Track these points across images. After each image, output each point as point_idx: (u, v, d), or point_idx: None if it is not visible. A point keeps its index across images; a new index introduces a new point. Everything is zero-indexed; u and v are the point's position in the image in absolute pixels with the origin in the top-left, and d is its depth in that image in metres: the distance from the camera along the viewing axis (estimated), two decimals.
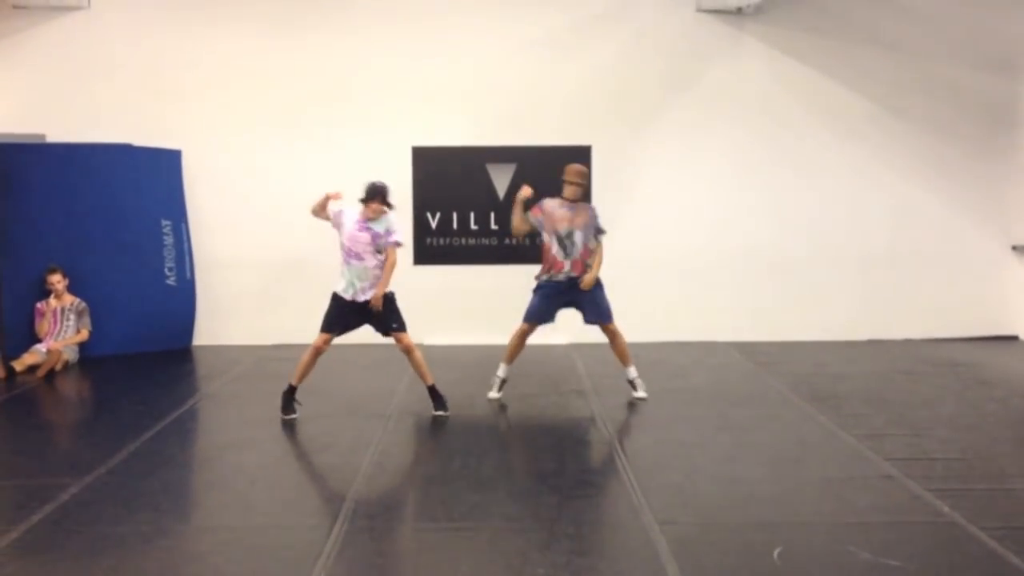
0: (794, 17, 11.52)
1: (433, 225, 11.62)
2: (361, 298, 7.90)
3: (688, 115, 11.57)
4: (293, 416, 7.94)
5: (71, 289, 10.47)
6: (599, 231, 8.63)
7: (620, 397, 8.71)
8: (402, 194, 11.49)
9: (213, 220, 11.35)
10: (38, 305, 10.39)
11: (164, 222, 11.03)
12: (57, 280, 10.32)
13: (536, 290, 8.57)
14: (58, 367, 9.94)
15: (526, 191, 8.57)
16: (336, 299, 7.95)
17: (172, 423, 7.93)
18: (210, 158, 11.33)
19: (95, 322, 10.55)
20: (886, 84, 11.60)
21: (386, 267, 7.92)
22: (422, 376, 8.17)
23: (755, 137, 11.58)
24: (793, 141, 11.60)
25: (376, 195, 7.82)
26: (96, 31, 11.29)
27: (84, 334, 10.45)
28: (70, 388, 9.71)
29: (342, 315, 7.94)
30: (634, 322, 11.44)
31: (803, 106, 11.60)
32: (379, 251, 7.90)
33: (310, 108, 11.44)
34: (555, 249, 8.46)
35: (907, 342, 11.52)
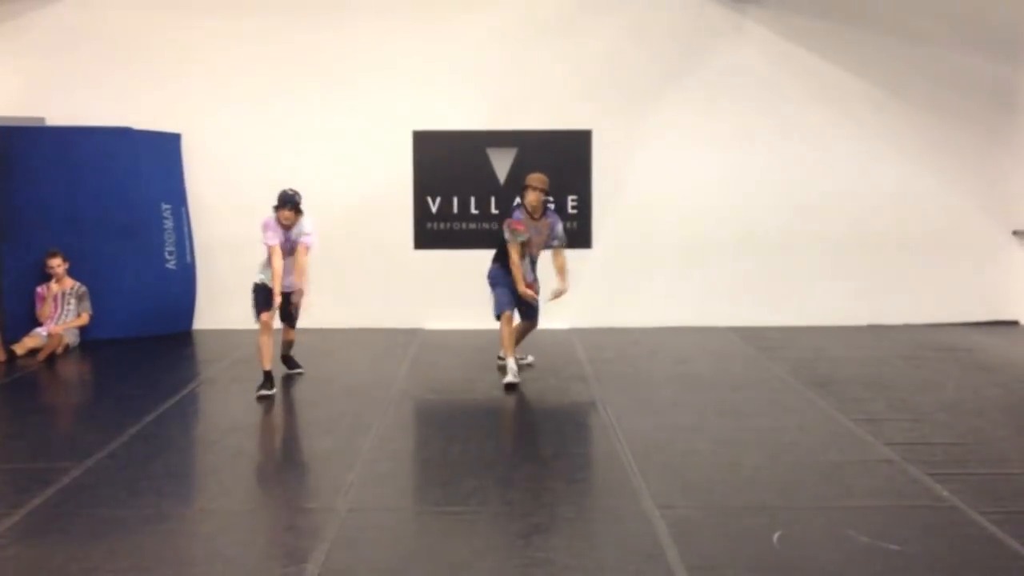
0: (796, 1, 11.46)
1: (433, 209, 11.61)
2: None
3: (689, 99, 11.54)
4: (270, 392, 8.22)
5: (71, 273, 10.46)
6: (560, 240, 8.84)
7: (620, 382, 8.72)
8: (403, 178, 11.53)
9: (213, 204, 11.34)
10: (38, 289, 10.39)
11: (164, 206, 11.01)
12: (57, 264, 10.31)
13: (495, 278, 8.76)
14: (59, 351, 9.95)
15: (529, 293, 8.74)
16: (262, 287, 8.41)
17: (173, 407, 7.94)
18: (210, 142, 11.32)
19: (95, 306, 10.55)
20: (888, 67, 11.56)
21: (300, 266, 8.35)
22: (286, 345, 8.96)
23: (756, 122, 11.54)
24: (794, 126, 11.57)
25: (287, 203, 8.18)
26: (96, 15, 11.25)
27: (85, 318, 10.45)
28: (71, 372, 9.72)
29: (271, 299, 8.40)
30: (634, 307, 11.53)
31: (805, 90, 11.57)
32: (291, 253, 8.30)
33: (311, 92, 11.42)
34: (526, 268, 8.73)
35: (907, 327, 11.52)
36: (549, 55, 11.49)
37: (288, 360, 9.01)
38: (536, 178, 8.71)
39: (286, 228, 8.22)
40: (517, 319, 8.86)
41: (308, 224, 8.31)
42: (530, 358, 9.23)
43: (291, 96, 11.41)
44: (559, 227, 8.86)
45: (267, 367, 8.22)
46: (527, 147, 11.46)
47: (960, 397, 8.21)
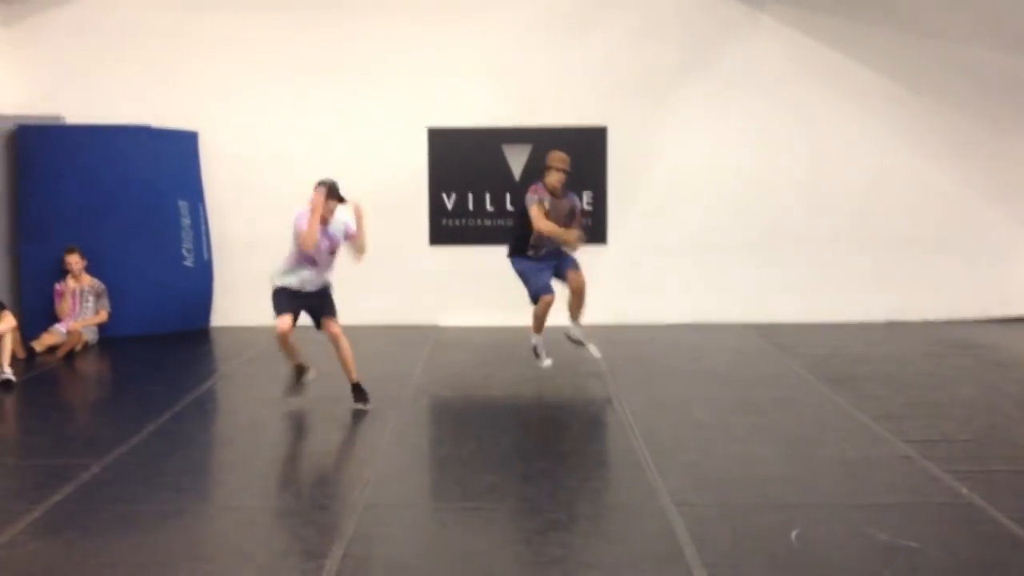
0: None
1: (449, 206, 11.62)
2: (306, 289, 7.63)
3: (705, 96, 11.51)
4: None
5: (90, 270, 10.51)
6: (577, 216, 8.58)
7: (637, 378, 8.71)
8: (418, 175, 11.54)
9: (230, 201, 11.38)
10: (57, 286, 10.45)
11: (181, 203, 11.06)
12: (75, 261, 10.36)
13: (526, 264, 8.46)
14: (77, 348, 10.00)
15: (574, 237, 8.39)
16: (283, 291, 7.62)
17: (191, 403, 7.98)
18: (227, 140, 11.36)
19: (113, 303, 10.60)
20: (905, 63, 11.50)
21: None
22: (347, 371, 7.73)
23: (772, 117, 11.50)
24: (811, 121, 11.52)
25: (335, 192, 7.55)
26: (114, 13, 11.31)
27: (103, 315, 10.50)
28: (89, 368, 9.77)
29: (293, 301, 7.63)
30: (650, 303, 11.51)
31: (821, 85, 11.52)
32: (332, 254, 7.66)
33: (327, 90, 11.45)
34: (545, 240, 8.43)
35: (925, 323, 11.46)
36: (565, 52, 11.48)
37: (356, 390, 7.75)
38: (559, 158, 8.41)
39: (324, 223, 7.50)
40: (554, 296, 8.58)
41: (344, 216, 7.66)
42: (593, 349, 8.67)
43: (307, 94, 11.44)
44: (578, 206, 8.67)
45: (297, 361, 7.74)
46: (542, 143, 11.39)
47: (978, 393, 8.17)
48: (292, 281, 7.58)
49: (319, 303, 7.72)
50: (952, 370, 9.11)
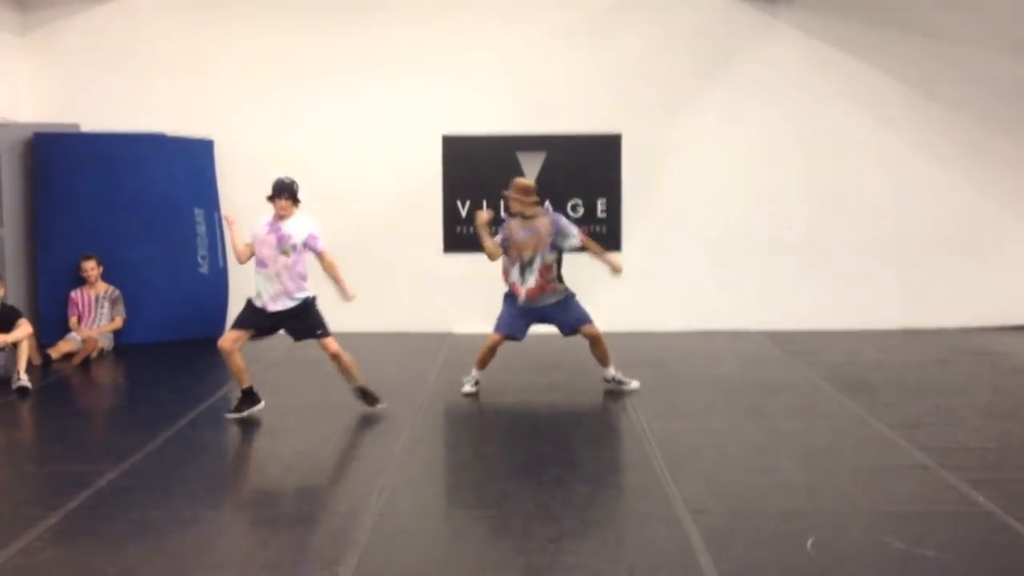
0: (827, 2, 11.41)
1: (463, 213, 11.63)
2: (271, 307, 7.51)
3: (720, 103, 11.50)
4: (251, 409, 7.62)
5: (105, 277, 10.57)
6: (570, 241, 8.27)
7: (651, 386, 8.68)
8: (433, 182, 11.56)
9: (245, 209, 11.37)
10: (72, 294, 10.50)
11: (197, 211, 11.11)
12: (91, 267, 10.42)
13: (506, 297, 8.41)
14: (93, 355, 10.04)
15: (483, 215, 8.35)
16: (249, 304, 7.63)
17: (206, 410, 8.00)
18: (242, 147, 11.39)
19: (129, 310, 10.64)
20: (921, 69, 11.47)
21: (329, 267, 7.58)
22: (350, 377, 7.71)
23: (788, 124, 11.49)
24: (826, 128, 11.50)
25: (283, 191, 7.47)
26: (130, 22, 11.38)
27: (118, 322, 10.55)
28: (105, 376, 9.81)
29: (253, 318, 7.58)
30: (664, 310, 11.49)
31: (836, 92, 11.49)
32: (284, 253, 7.44)
33: (342, 98, 11.49)
34: (514, 275, 8.32)
35: (941, 331, 11.41)
36: (579, 59, 11.49)
37: (363, 393, 7.78)
38: (518, 187, 8.36)
39: (280, 222, 7.48)
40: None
41: (308, 220, 7.62)
42: (635, 383, 8.50)
43: (322, 102, 11.48)
44: (562, 223, 8.35)
45: (244, 384, 7.59)
46: (557, 151, 11.46)
47: (995, 401, 8.12)
48: (256, 292, 7.55)
49: (300, 325, 7.59)
50: (968, 378, 9.07)
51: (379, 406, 7.75)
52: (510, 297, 8.41)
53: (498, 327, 8.39)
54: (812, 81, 11.47)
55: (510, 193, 8.40)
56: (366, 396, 7.77)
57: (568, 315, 8.37)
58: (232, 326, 7.71)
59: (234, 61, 11.45)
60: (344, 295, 7.62)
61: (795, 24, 11.46)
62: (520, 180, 8.61)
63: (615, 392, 8.43)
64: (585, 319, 8.36)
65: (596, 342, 8.40)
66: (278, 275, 7.48)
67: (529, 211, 8.31)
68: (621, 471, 6.63)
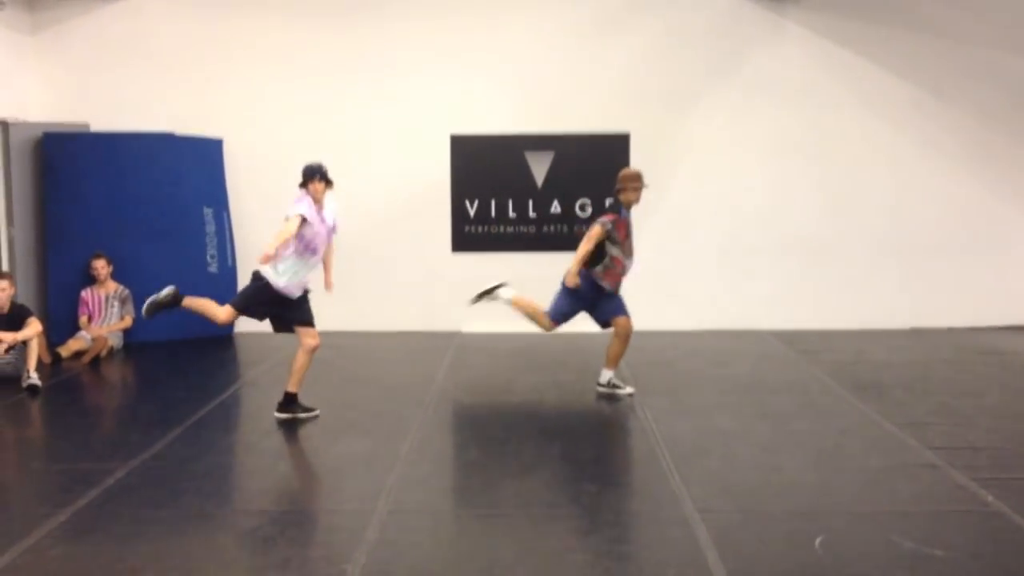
0: (836, 2, 11.39)
1: (471, 213, 11.63)
2: (296, 293, 7.53)
3: (729, 102, 11.48)
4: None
5: (115, 276, 10.59)
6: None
7: (659, 385, 8.69)
8: (441, 182, 11.57)
9: (254, 208, 11.43)
10: (82, 293, 10.53)
11: (206, 210, 11.13)
12: (101, 266, 10.45)
13: (571, 291, 8.26)
14: (103, 353, 10.07)
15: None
16: (266, 287, 7.49)
17: (215, 409, 8.03)
18: (251, 146, 11.41)
19: (138, 309, 10.64)
20: (930, 70, 11.44)
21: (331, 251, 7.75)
22: (293, 380, 7.63)
23: (796, 124, 11.46)
24: (835, 128, 11.47)
25: (315, 174, 7.42)
26: (139, 21, 11.40)
27: (128, 321, 10.58)
28: (114, 374, 9.84)
29: (261, 306, 7.63)
30: (672, 310, 11.48)
31: (845, 92, 11.47)
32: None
33: (350, 97, 11.49)
34: (627, 267, 8.33)
35: (949, 330, 11.38)
36: (587, 59, 11.48)
37: (287, 398, 7.67)
38: (631, 176, 8.41)
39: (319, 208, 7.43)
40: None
41: (335, 206, 7.69)
42: (629, 389, 8.44)
43: (331, 101, 11.48)
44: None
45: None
46: (565, 151, 11.45)
47: (1004, 401, 8.11)
48: (290, 281, 7.44)
49: (296, 312, 7.60)
50: (977, 377, 9.05)
51: (283, 416, 7.60)
52: (572, 290, 8.22)
53: (554, 316, 8.37)
54: (820, 80, 11.45)
55: (629, 184, 8.32)
56: (290, 404, 7.64)
57: (610, 303, 8.34)
58: (236, 306, 7.64)
59: (244, 60, 11.47)
60: (328, 282, 7.82)
61: (803, 23, 11.44)
62: (632, 170, 8.50)
63: (624, 390, 8.41)
64: (621, 311, 8.34)
65: (622, 338, 8.32)
66: (318, 261, 7.60)
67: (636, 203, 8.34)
68: (629, 470, 6.63)
